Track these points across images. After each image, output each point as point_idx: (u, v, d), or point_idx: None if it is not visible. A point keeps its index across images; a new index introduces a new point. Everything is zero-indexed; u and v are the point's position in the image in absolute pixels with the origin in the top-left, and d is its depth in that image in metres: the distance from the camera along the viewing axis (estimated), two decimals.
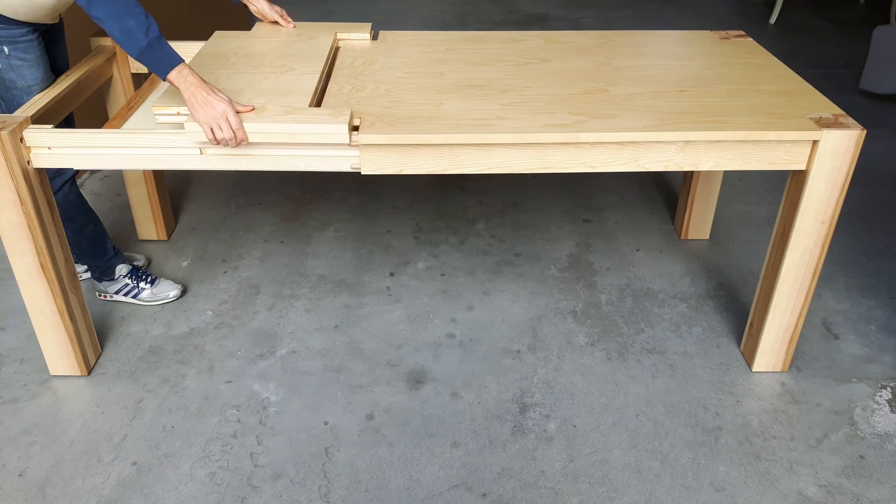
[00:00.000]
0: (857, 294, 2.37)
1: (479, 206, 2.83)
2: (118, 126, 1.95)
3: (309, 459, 1.78)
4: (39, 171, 1.75)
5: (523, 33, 2.27)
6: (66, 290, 1.89)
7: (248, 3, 2.16)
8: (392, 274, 2.45)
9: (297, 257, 2.51)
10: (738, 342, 2.15)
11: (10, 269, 2.43)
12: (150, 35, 1.57)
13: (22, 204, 1.71)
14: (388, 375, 2.03)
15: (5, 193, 1.69)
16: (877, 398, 1.98)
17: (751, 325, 2.06)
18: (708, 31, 2.29)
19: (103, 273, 2.22)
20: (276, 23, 2.21)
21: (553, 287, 2.39)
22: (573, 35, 2.26)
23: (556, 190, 2.94)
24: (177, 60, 1.59)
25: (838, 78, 4.01)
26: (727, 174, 3.06)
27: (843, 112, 1.75)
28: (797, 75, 1.96)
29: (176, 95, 1.66)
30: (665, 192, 2.93)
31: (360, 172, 1.87)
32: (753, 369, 2.04)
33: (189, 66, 1.61)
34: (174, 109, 1.67)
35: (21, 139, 1.67)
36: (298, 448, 1.81)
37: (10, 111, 1.85)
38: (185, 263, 2.48)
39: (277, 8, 2.22)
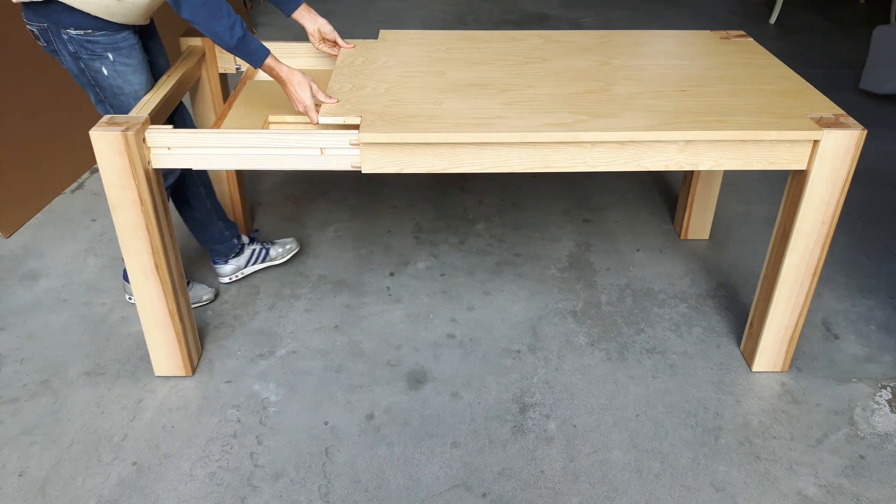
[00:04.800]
0: (857, 294, 2.37)
1: (479, 206, 2.83)
2: (222, 126, 1.93)
3: (309, 459, 1.78)
4: (156, 171, 1.75)
5: (524, 32, 2.27)
6: (177, 290, 1.90)
7: (301, 23, 2.08)
8: (392, 274, 2.44)
9: (297, 257, 2.50)
10: (738, 342, 2.15)
11: (9, 270, 2.43)
12: (235, 36, 1.71)
13: (142, 204, 1.72)
14: (388, 375, 2.03)
15: (127, 194, 1.69)
16: (877, 398, 1.98)
17: (751, 325, 2.06)
18: (708, 31, 2.29)
19: (230, 249, 2.30)
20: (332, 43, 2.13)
21: (553, 287, 2.38)
22: (574, 35, 2.26)
23: (556, 190, 2.94)
24: (265, 52, 1.77)
25: (838, 78, 4.01)
26: (727, 174, 3.06)
27: (843, 112, 1.75)
28: (797, 75, 1.96)
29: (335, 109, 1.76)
30: (665, 192, 2.93)
31: (360, 171, 1.87)
32: (753, 369, 2.04)
33: (273, 56, 1.79)
34: (340, 118, 1.72)
35: (143, 139, 1.67)
36: (298, 448, 1.81)
37: None
38: (185, 263, 2.47)
39: (330, 31, 2.12)
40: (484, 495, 1.70)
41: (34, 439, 1.83)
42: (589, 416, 1.91)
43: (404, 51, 2.12)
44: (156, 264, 1.80)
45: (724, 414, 1.92)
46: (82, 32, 1.71)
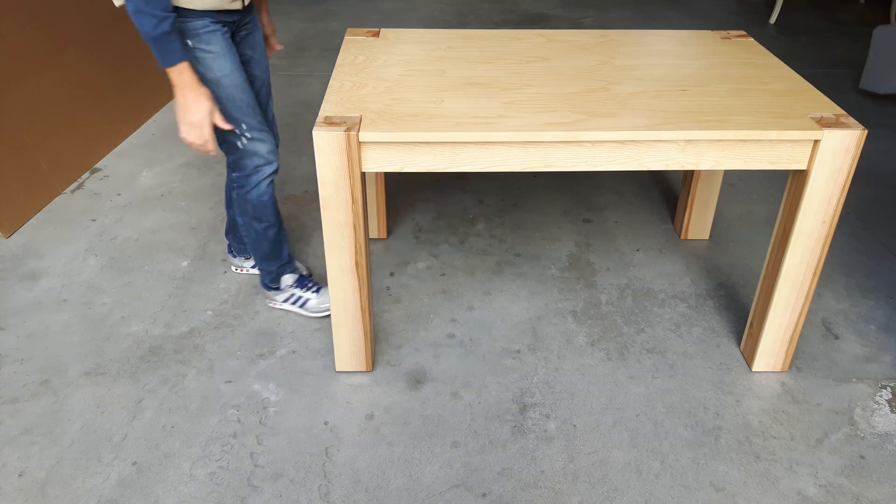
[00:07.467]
0: (857, 294, 2.37)
1: (479, 205, 2.83)
2: None
3: (309, 459, 1.78)
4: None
5: (524, 32, 2.27)
6: (369, 288, 1.91)
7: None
8: (392, 274, 2.44)
9: (296, 257, 2.50)
10: (738, 342, 2.15)
11: (9, 270, 2.43)
12: (159, 30, 1.59)
13: (353, 203, 1.72)
14: (388, 375, 2.03)
15: (339, 193, 1.70)
16: (877, 398, 1.98)
17: (751, 324, 2.06)
18: (709, 31, 2.29)
19: (272, 280, 2.19)
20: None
21: (553, 287, 2.38)
22: (574, 34, 2.26)
23: (556, 190, 2.94)
24: (178, 59, 1.65)
25: (838, 78, 4.01)
26: (727, 174, 3.06)
27: (843, 112, 1.75)
28: (798, 75, 1.96)
29: None
30: (665, 192, 2.93)
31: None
32: (753, 369, 2.04)
33: (191, 69, 1.67)
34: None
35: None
36: (298, 448, 1.81)
37: (221, 109, 1.83)
38: (185, 263, 2.47)
39: (272, 25, 2.15)
40: (484, 495, 1.70)
41: (34, 439, 1.83)
42: (589, 415, 1.91)
43: (405, 49, 2.12)
44: (356, 262, 1.82)
45: (724, 414, 1.92)
46: (178, 21, 1.71)
